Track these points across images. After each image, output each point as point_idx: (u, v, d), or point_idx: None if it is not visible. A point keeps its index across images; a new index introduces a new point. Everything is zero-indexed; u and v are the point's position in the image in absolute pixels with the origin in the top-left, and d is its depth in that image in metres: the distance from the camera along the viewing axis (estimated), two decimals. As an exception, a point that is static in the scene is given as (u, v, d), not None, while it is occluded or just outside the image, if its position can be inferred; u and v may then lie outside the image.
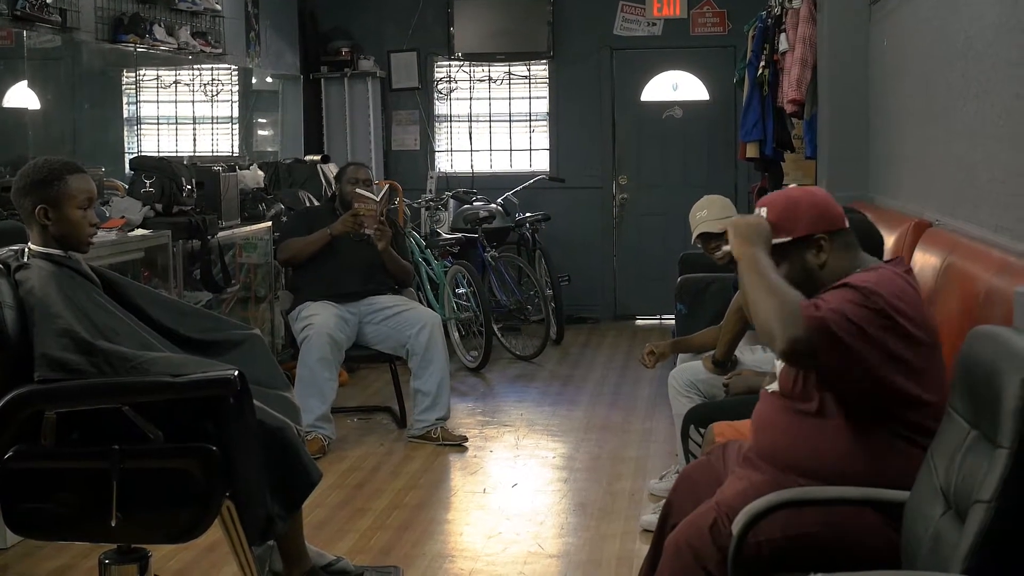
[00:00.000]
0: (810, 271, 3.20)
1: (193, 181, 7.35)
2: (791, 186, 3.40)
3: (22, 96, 7.02)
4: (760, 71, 8.10)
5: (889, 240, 4.80)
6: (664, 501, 3.74)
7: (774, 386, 3.31)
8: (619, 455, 6.54)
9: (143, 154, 8.14)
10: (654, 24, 11.24)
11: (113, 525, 3.42)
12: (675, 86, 11.41)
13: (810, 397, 3.14)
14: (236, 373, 3.46)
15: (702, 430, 4.60)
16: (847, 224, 3.24)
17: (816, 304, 2.95)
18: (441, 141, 11.76)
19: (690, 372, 5.36)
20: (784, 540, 3.02)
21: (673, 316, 7.59)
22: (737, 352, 5.37)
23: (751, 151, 8.43)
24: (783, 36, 7.59)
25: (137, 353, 3.55)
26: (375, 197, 6.91)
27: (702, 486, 3.49)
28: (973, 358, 2.66)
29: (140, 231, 6.73)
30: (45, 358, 3.41)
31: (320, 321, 6.60)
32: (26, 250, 3.69)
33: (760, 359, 5.38)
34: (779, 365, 3.29)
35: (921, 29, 5.27)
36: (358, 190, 6.89)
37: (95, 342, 3.48)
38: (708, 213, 5.48)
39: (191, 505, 3.48)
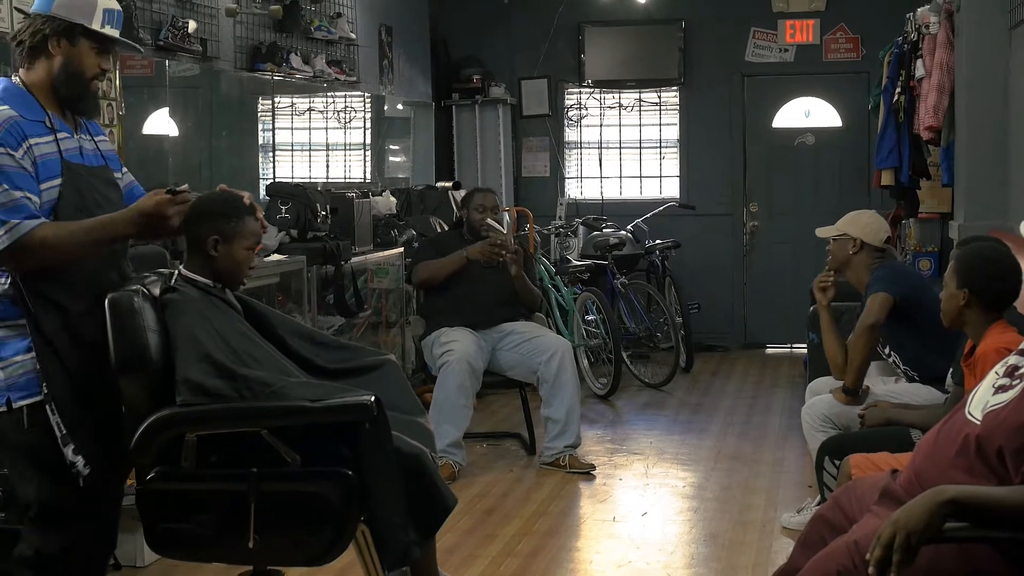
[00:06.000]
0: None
1: (327, 207, 7.45)
2: None
3: (162, 123, 7.18)
4: (896, 97, 8.00)
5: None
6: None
7: (975, 413, 3.13)
8: (750, 486, 6.47)
9: (278, 180, 8.28)
10: (786, 50, 11.16)
11: (250, 547, 3.48)
12: (807, 112, 11.31)
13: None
14: (373, 399, 3.49)
15: (837, 462, 4.52)
16: None
17: None
18: (571, 168, 11.78)
19: (823, 406, 5.28)
20: None
21: (804, 345, 7.50)
22: (867, 381, 5.30)
23: (886, 178, 8.32)
24: (920, 62, 7.50)
25: (278, 378, 3.60)
26: (502, 229, 6.93)
27: (829, 529, 3.42)
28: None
29: (276, 256, 6.84)
30: (187, 382, 3.48)
31: (461, 348, 6.61)
32: (175, 274, 3.77)
33: (893, 389, 5.31)
34: (990, 399, 3.12)
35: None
36: (489, 221, 6.91)
37: (236, 368, 3.54)
38: (844, 220, 5.57)
39: (327, 529, 3.52)
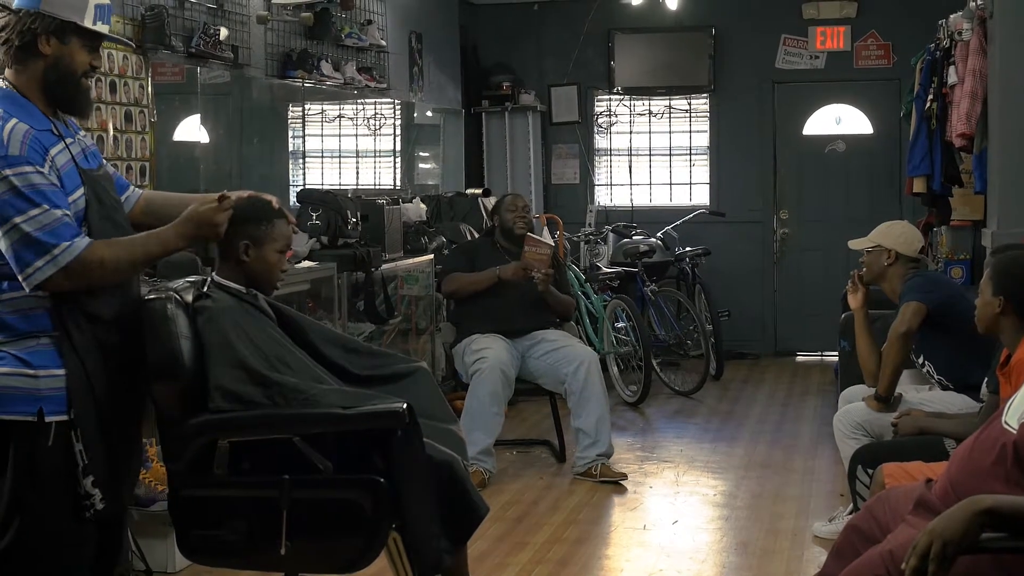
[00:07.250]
0: None
1: (358, 214, 7.46)
2: None
3: (193, 130, 7.20)
4: (928, 104, 7.96)
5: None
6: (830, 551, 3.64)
7: (1011, 423, 3.09)
8: (781, 494, 6.44)
9: (309, 187, 8.28)
10: (817, 57, 11.14)
11: (282, 554, 3.47)
12: (838, 120, 11.28)
13: None
14: (405, 406, 3.48)
15: (870, 471, 4.50)
16: None
17: None
18: (601, 175, 11.78)
19: (855, 413, 5.26)
20: None
21: (835, 353, 7.47)
22: (900, 389, 5.27)
23: (918, 186, 8.29)
24: (952, 69, 7.45)
25: (310, 385, 3.60)
26: (549, 243, 6.92)
27: (863, 538, 3.39)
28: None
29: (306, 263, 6.85)
30: (220, 389, 3.47)
31: (494, 355, 6.61)
32: (208, 281, 3.76)
33: (926, 397, 5.28)
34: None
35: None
36: (531, 234, 6.91)
37: (269, 374, 3.53)
38: (877, 232, 5.53)
39: (358, 536, 3.51)
